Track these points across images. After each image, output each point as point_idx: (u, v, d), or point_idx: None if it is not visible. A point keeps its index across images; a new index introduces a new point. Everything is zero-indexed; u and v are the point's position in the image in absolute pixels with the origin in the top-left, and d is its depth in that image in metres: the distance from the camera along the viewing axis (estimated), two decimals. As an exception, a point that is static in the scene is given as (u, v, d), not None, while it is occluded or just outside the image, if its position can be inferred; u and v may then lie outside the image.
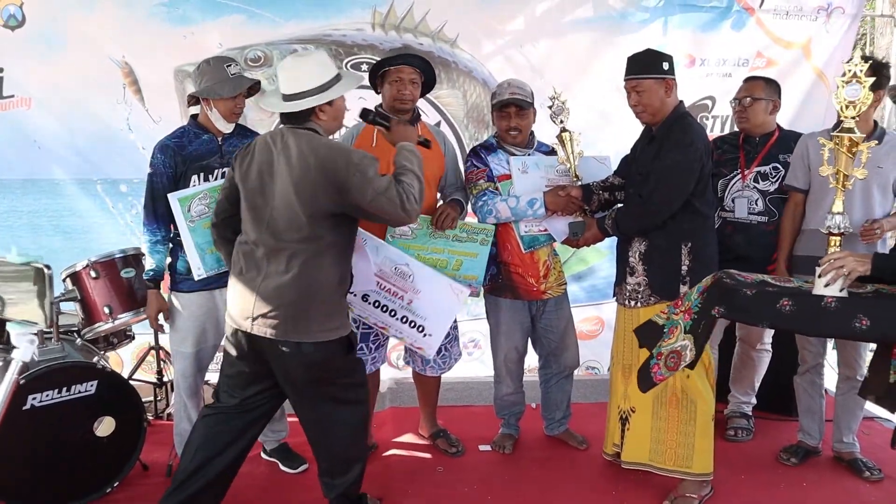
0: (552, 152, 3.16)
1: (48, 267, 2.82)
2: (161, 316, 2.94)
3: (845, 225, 2.33)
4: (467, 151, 3.38)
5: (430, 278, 2.96)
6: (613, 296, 3.06)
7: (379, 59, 3.20)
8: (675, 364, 2.46)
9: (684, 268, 2.79)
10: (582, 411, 3.58)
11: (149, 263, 2.87)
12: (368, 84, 3.09)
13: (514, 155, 3.14)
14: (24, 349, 2.40)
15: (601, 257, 4.20)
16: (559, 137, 3.04)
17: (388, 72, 2.97)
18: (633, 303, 2.90)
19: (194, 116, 2.93)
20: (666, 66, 2.80)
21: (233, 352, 2.53)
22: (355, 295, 2.93)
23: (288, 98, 2.43)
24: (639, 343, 2.69)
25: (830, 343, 3.42)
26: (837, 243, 2.33)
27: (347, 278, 2.56)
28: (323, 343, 2.42)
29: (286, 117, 2.48)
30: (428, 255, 2.99)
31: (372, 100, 3.13)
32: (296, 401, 2.57)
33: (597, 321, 4.45)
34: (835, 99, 2.30)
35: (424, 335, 2.99)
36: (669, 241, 2.80)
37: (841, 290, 2.22)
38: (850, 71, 2.26)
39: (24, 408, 2.65)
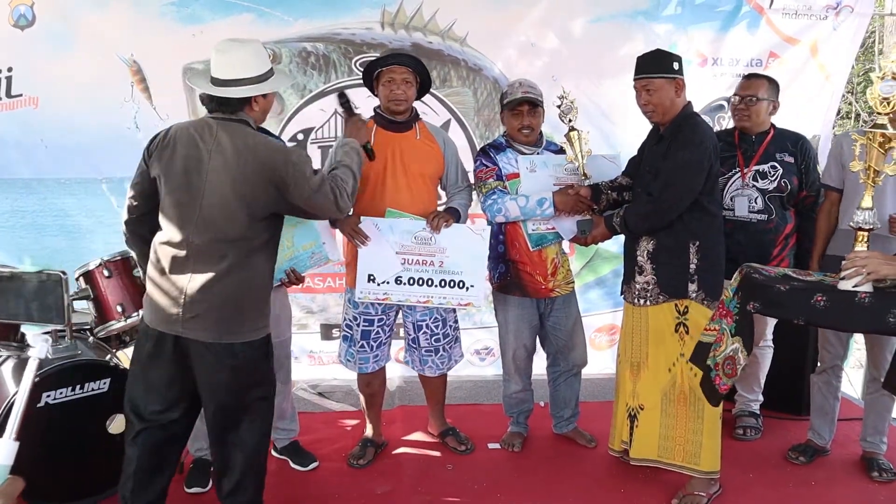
0: (560, 151, 3.17)
1: (64, 273, 2.81)
2: None
3: (874, 220, 2.31)
4: (478, 150, 3.39)
5: (450, 232, 2.98)
6: (621, 293, 3.07)
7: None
8: (733, 370, 2.46)
9: (692, 266, 2.80)
10: (590, 410, 3.59)
11: None
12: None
13: (523, 154, 3.15)
14: (40, 347, 2.41)
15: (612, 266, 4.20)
16: (568, 136, 3.05)
17: (381, 73, 2.99)
18: (642, 301, 2.90)
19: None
20: (676, 65, 2.82)
21: (154, 360, 2.37)
22: (388, 283, 2.96)
23: (223, 83, 2.30)
24: (694, 364, 2.66)
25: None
26: (865, 239, 2.32)
27: (273, 274, 2.49)
28: (251, 342, 2.36)
29: (217, 105, 2.34)
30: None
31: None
32: (215, 410, 2.40)
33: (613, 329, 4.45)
34: (869, 95, 2.30)
35: (467, 289, 3.03)
36: (677, 240, 2.81)
37: (857, 286, 2.22)
38: (886, 67, 2.26)
39: (39, 405, 2.66)
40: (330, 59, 3.89)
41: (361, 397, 3.33)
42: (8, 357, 2.89)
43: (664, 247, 2.83)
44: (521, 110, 3.08)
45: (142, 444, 2.41)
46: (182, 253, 2.31)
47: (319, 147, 3.96)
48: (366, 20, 3.87)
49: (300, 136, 3.96)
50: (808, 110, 4.24)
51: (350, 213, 2.72)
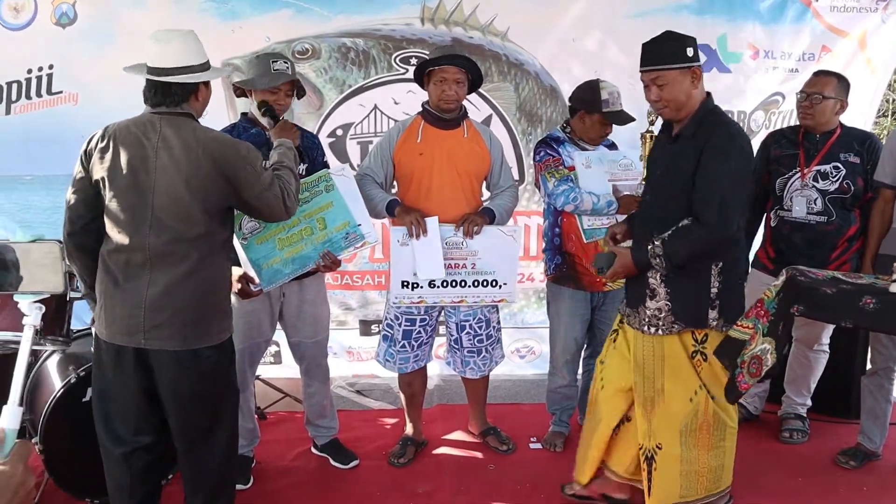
0: (613, 146, 3.16)
1: (60, 241, 2.57)
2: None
3: None
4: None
5: (481, 235, 2.96)
6: (623, 318, 2.71)
7: (428, 53, 3.18)
8: (758, 370, 2.37)
9: (713, 291, 2.45)
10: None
11: None
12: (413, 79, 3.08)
13: (584, 149, 3.14)
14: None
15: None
16: (642, 136, 2.99)
17: (433, 71, 2.95)
18: (653, 329, 2.53)
19: (244, 114, 2.93)
20: (691, 51, 2.40)
21: (117, 376, 2.26)
22: (421, 286, 2.96)
23: (166, 73, 2.18)
24: (719, 360, 2.48)
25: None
26: None
27: (231, 274, 2.43)
28: (218, 346, 2.29)
29: (161, 96, 2.21)
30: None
31: (421, 93, 3.11)
32: (183, 422, 2.31)
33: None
34: None
35: (500, 287, 3.02)
36: (697, 261, 2.43)
37: None
38: None
39: (84, 400, 2.66)
40: (369, 54, 3.87)
41: (402, 396, 3.31)
42: (54, 352, 2.89)
43: (682, 269, 2.45)
44: (609, 122, 3.07)
45: (134, 467, 2.30)
46: (138, 258, 2.18)
47: (359, 143, 3.95)
48: (406, 16, 3.85)
49: (339, 132, 3.95)
50: (851, 105, 4.14)
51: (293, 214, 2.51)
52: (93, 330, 2.41)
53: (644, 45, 2.46)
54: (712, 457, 2.59)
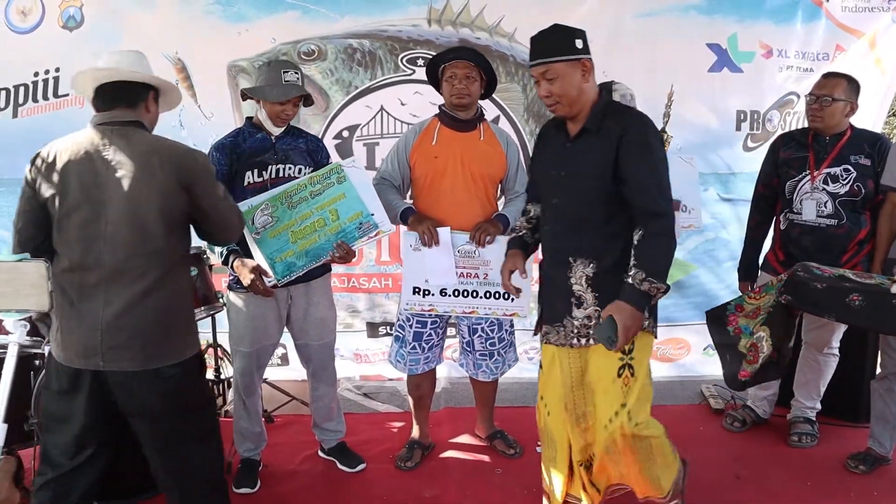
0: None
1: (47, 261, 2.56)
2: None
3: None
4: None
5: (494, 245, 2.93)
6: (542, 334, 2.54)
7: (435, 54, 3.16)
8: (755, 357, 2.41)
9: None
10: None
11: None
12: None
13: None
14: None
15: (685, 271, 4.12)
16: None
17: (444, 69, 2.93)
18: (583, 340, 2.39)
19: (249, 118, 2.93)
20: (580, 43, 2.28)
21: (69, 400, 2.14)
22: (433, 294, 2.95)
23: (116, 75, 2.14)
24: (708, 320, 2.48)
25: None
26: None
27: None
28: (182, 362, 2.16)
29: (112, 103, 2.14)
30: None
31: (428, 94, 3.10)
32: (151, 442, 2.21)
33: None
34: None
35: (511, 299, 2.95)
36: (623, 260, 2.28)
37: None
38: None
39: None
40: (376, 55, 3.86)
41: (410, 399, 3.31)
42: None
43: (608, 270, 2.31)
44: None
45: (51, 496, 2.14)
46: (92, 277, 2.07)
47: (365, 144, 3.94)
48: (412, 17, 3.84)
49: (345, 134, 3.94)
50: (860, 106, 4.11)
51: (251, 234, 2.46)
52: (46, 350, 2.33)
53: (532, 38, 2.34)
54: (644, 469, 2.45)
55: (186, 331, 2.23)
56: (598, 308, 2.34)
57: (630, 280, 2.21)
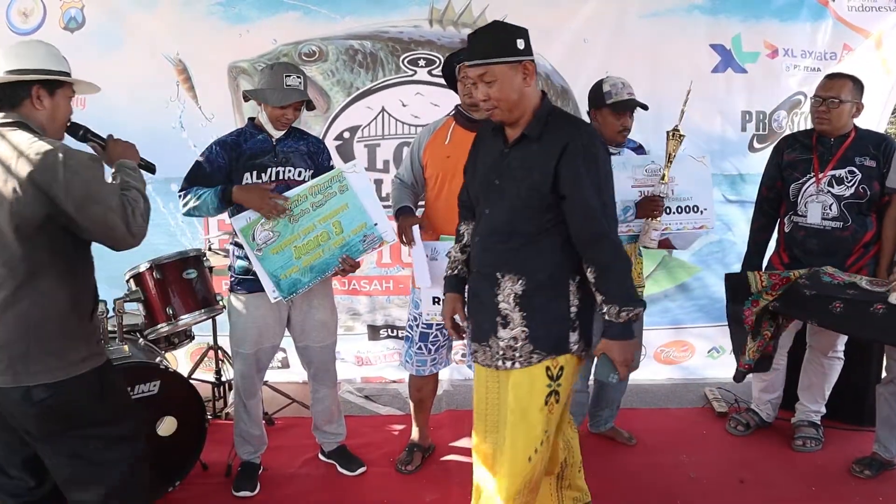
0: (640, 148, 3.12)
1: None
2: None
3: None
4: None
5: None
6: (471, 352, 2.34)
7: (436, 55, 3.13)
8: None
9: (573, 309, 2.14)
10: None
11: (209, 200, 2.72)
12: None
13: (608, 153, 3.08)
14: None
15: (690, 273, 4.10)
16: (667, 133, 2.96)
17: (459, 69, 2.88)
18: (508, 363, 2.18)
19: (252, 119, 2.92)
20: (521, 43, 2.07)
21: None
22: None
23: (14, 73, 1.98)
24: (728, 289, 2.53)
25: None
26: None
27: (86, 299, 2.06)
28: (57, 384, 1.95)
29: None
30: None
31: (429, 95, 3.08)
32: (47, 459, 2.05)
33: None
34: None
35: None
36: (555, 277, 2.13)
37: None
38: None
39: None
40: (377, 56, 3.84)
41: (410, 401, 3.29)
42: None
43: (538, 287, 2.13)
44: (625, 113, 2.96)
45: None
46: None
47: (366, 146, 3.92)
48: (414, 18, 3.82)
49: (346, 135, 3.93)
50: (865, 106, 4.09)
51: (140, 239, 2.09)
52: None
53: (469, 36, 2.16)
54: (569, 487, 2.49)
55: (60, 350, 1.97)
56: (525, 329, 2.14)
57: (607, 317, 2.08)
